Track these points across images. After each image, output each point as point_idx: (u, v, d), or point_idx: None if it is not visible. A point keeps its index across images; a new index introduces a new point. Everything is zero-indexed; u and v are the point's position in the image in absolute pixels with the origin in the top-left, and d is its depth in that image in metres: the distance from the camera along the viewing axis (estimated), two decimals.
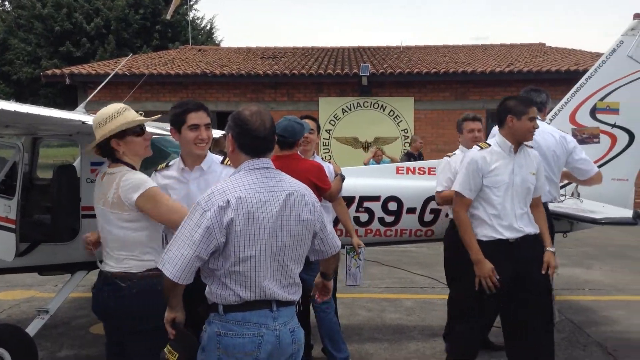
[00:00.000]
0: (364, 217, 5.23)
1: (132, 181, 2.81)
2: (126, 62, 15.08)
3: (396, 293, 7.07)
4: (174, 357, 2.45)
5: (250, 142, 2.41)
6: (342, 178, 4.58)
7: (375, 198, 5.24)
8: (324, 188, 4.20)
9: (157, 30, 29.96)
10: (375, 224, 5.25)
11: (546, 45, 19.69)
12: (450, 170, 4.90)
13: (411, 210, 5.22)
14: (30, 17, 28.94)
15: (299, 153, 4.35)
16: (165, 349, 2.49)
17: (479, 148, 3.85)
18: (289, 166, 4.13)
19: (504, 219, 3.73)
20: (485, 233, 3.76)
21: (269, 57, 17.78)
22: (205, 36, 33.99)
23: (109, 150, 2.91)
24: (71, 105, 16.51)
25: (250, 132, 2.39)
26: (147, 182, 2.84)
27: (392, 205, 5.24)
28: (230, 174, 2.47)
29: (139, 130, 2.93)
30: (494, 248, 3.70)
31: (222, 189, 2.33)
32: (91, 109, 4.75)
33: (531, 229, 3.79)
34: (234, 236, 2.29)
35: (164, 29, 30.23)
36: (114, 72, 7.65)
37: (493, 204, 3.74)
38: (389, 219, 5.26)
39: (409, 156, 10.32)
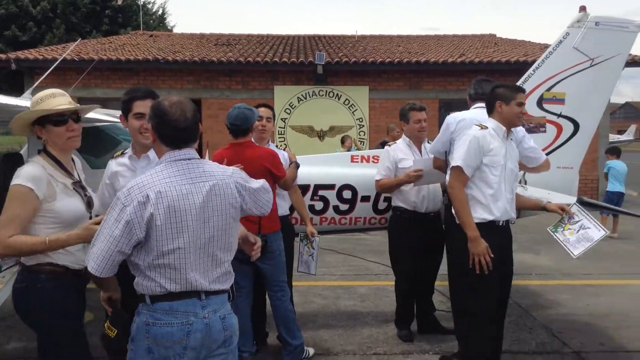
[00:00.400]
0: (318, 205, 5.27)
1: (16, 174, 2.69)
2: (75, 47, 14.63)
3: (350, 280, 7.16)
4: (113, 333, 2.61)
5: (170, 133, 2.38)
6: (297, 166, 4.60)
7: (330, 186, 5.28)
8: (278, 175, 4.22)
9: (107, 15, 29.12)
10: (330, 212, 5.30)
11: (497, 36, 20.10)
12: (389, 160, 5.00)
13: (365, 199, 5.28)
14: None
15: (253, 140, 4.35)
16: (105, 325, 2.64)
17: (479, 128, 3.89)
18: (244, 153, 4.15)
19: (500, 200, 3.81)
20: (478, 215, 3.80)
21: (223, 44, 17.55)
22: (157, 21, 33.24)
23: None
24: (17, 92, 15.95)
25: (170, 122, 2.36)
26: (17, 179, 2.64)
27: (347, 194, 5.29)
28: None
29: (60, 119, 2.74)
30: (486, 230, 3.75)
31: (142, 183, 2.30)
32: None
33: (514, 215, 3.95)
34: (155, 231, 2.27)
35: (114, 13, 29.40)
36: (61, 57, 7.42)
37: (490, 183, 3.80)
38: (344, 207, 5.31)
39: (383, 145, 10.38)
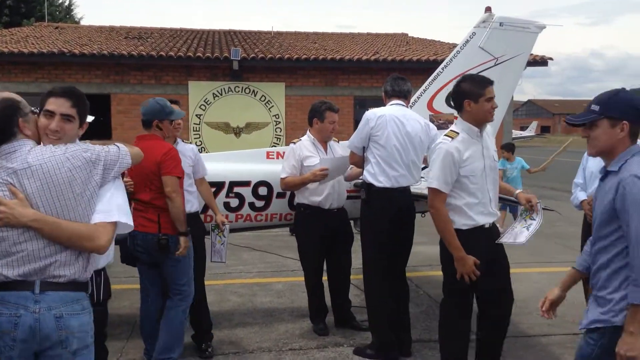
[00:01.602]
0: (234, 202, 5.21)
1: None
2: None
3: (267, 277, 7.14)
4: None
5: None
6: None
7: (246, 183, 5.24)
8: (164, 172, 4.08)
9: (7, 6, 27.43)
10: (246, 209, 5.25)
11: (409, 35, 20.68)
12: (295, 157, 5.03)
13: (281, 195, 5.28)
14: None
15: (157, 134, 4.24)
16: None
17: (450, 139, 3.64)
18: (145, 146, 3.98)
19: (483, 206, 3.69)
20: (464, 222, 3.66)
21: (134, 37, 16.98)
22: (63, 13, 31.69)
23: None
24: None
25: None
26: None
27: (263, 190, 5.26)
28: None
29: None
30: (474, 235, 3.63)
31: None
32: None
33: (497, 210, 3.84)
34: None
35: (16, 3, 27.75)
36: None
37: (472, 192, 3.64)
38: (260, 203, 5.28)
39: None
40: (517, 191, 4.02)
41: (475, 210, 3.67)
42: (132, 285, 6.14)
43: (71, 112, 2.48)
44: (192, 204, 4.56)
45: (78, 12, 34.68)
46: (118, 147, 2.63)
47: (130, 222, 2.56)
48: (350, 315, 5.29)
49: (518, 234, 3.81)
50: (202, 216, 4.86)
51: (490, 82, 3.73)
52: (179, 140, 4.62)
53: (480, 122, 3.70)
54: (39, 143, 2.47)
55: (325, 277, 5.25)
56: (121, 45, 15.22)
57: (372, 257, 4.57)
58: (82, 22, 31.95)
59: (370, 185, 4.51)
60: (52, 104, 2.48)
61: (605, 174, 2.62)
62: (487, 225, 3.74)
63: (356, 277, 5.75)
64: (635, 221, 2.38)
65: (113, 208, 2.47)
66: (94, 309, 2.58)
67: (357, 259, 5.23)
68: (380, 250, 4.51)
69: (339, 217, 5.12)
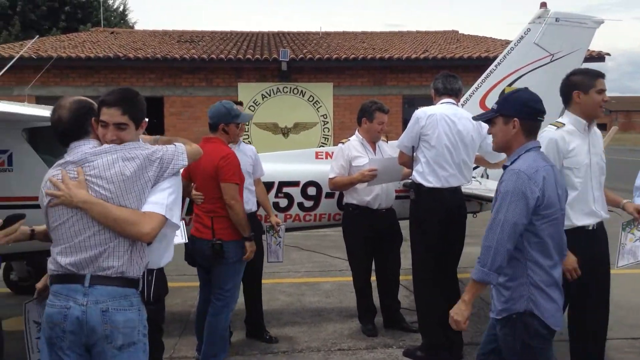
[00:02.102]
0: (283, 202, 5.25)
1: None
2: (33, 45, 14.25)
3: (315, 277, 7.15)
4: None
5: (54, 136, 2.63)
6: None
7: (295, 183, 5.27)
8: (221, 179, 4.06)
9: (65, 12, 28.45)
10: (295, 209, 5.28)
11: (459, 32, 20.35)
12: (343, 158, 5.01)
13: (330, 195, 5.29)
14: None
15: (222, 138, 4.27)
16: None
17: (555, 127, 3.51)
18: (207, 149, 4.04)
19: (585, 204, 3.48)
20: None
21: (186, 40, 17.33)
22: (118, 18, 32.61)
23: None
24: None
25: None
26: None
27: (312, 190, 5.28)
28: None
29: None
30: (572, 237, 3.19)
31: None
32: None
33: (605, 213, 3.61)
34: (44, 212, 2.54)
35: (73, 10, 28.74)
36: (18, 55, 7.22)
37: (575, 186, 3.44)
38: (308, 203, 5.30)
39: None
40: (624, 201, 3.77)
41: (577, 209, 3.46)
42: (185, 283, 6.27)
43: (123, 120, 2.57)
44: (253, 202, 4.61)
45: (132, 17, 35.74)
46: (175, 146, 2.72)
47: (178, 222, 2.66)
48: (400, 317, 5.23)
49: (635, 250, 3.60)
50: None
51: (601, 75, 3.55)
52: (240, 140, 4.67)
53: (589, 115, 3.53)
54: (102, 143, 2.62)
55: (374, 278, 5.22)
56: (174, 49, 15.57)
57: (421, 257, 4.51)
58: (136, 27, 32.78)
59: (419, 185, 4.45)
60: (105, 114, 2.58)
61: (503, 168, 2.83)
62: (589, 227, 3.51)
63: (406, 277, 5.70)
64: (497, 209, 2.66)
65: (163, 202, 2.55)
66: (148, 307, 2.65)
67: (406, 259, 5.19)
68: (429, 250, 4.44)
69: (388, 218, 5.09)
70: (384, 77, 15.09)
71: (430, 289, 4.49)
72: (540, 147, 2.85)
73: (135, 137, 2.63)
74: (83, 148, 2.56)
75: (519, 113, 2.76)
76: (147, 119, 2.77)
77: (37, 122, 4.93)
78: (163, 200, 2.56)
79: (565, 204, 2.83)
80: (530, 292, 2.67)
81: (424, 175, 4.43)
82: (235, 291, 4.28)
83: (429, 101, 4.83)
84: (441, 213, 4.40)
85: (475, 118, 3.10)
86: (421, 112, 4.49)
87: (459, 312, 2.75)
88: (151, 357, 2.79)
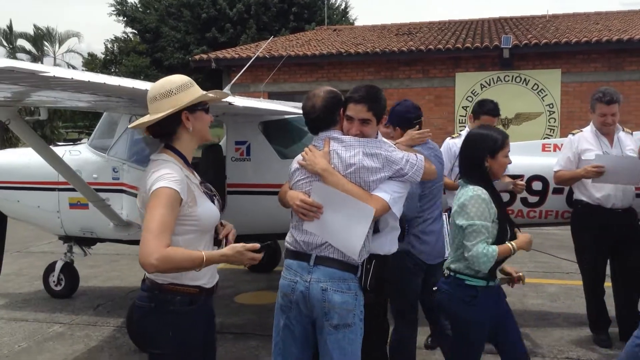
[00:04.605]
0: (504, 197, 4.97)
1: (155, 176, 2.37)
2: (266, 45, 15.61)
3: (539, 278, 6.76)
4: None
5: (306, 123, 2.87)
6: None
7: (518, 177, 4.97)
8: None
9: (293, 12, 30.65)
10: (517, 205, 5.02)
11: None
12: (571, 150, 4.55)
13: (558, 191, 4.91)
14: (179, 5, 30.94)
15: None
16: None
17: None
18: None
19: None
20: None
21: (404, 33, 17.49)
22: (340, 15, 34.18)
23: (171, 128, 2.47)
24: (216, 89, 17.44)
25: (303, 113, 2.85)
26: (161, 181, 2.31)
27: (537, 185, 4.95)
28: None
29: (206, 107, 2.55)
30: None
31: None
32: (235, 91, 4.96)
33: None
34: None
35: (300, 10, 30.84)
36: (255, 56, 7.93)
37: None
38: (533, 199, 4.99)
39: None
40: None
41: None
42: None
43: (367, 116, 2.76)
44: None
45: (353, 14, 37.14)
46: (416, 159, 2.80)
47: (398, 214, 2.78)
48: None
49: None
50: None
51: None
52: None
53: None
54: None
55: (608, 284, 4.72)
56: (392, 42, 15.82)
57: None
58: (357, 23, 34.05)
59: None
60: (352, 110, 2.78)
61: None
62: None
63: None
64: None
65: (389, 192, 2.69)
66: (367, 294, 2.74)
67: None
68: None
69: (626, 218, 4.53)
70: (622, 61, 13.52)
71: None
72: None
73: (375, 132, 2.81)
74: (330, 133, 2.80)
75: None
76: (385, 116, 2.97)
77: (271, 115, 5.38)
78: (390, 190, 2.69)
79: None
80: None
81: None
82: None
83: None
84: None
85: None
86: None
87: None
88: (376, 342, 2.94)
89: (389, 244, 2.89)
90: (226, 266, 6.96)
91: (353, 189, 2.62)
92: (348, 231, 2.62)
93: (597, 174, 4.31)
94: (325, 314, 2.64)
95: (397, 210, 2.75)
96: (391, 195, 2.68)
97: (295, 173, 2.83)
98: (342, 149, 2.71)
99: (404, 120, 3.71)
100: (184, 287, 2.40)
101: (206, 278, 2.48)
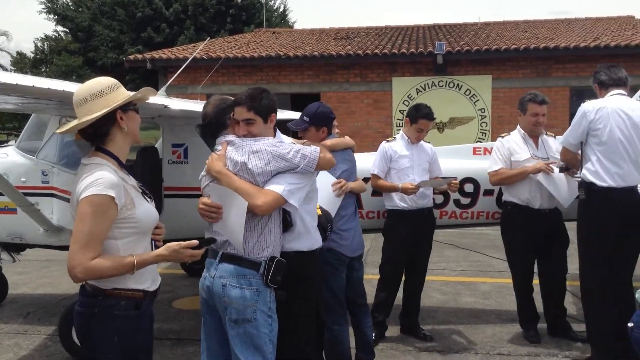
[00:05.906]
0: (438, 198, 5.13)
1: (86, 182, 2.31)
2: (204, 47, 15.42)
3: (472, 276, 6.95)
4: None
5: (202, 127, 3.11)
6: None
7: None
8: None
9: (231, 14, 30.41)
10: (451, 206, 5.16)
11: (635, 18, 18.50)
12: (502, 152, 4.80)
13: (489, 192, 5.08)
14: (112, 4, 30.11)
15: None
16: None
17: None
18: None
19: None
20: None
21: (342, 37, 17.68)
22: (279, 18, 34.20)
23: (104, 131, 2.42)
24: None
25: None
26: (93, 187, 2.26)
27: (469, 187, 5.11)
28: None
29: (135, 107, 2.52)
30: None
31: None
32: (171, 92, 4.89)
33: None
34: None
35: (238, 12, 30.64)
36: (192, 57, 7.84)
37: None
38: (465, 200, 5.14)
39: None
40: None
41: None
42: None
43: (249, 116, 2.89)
44: (430, 199, 4.84)
45: (292, 17, 37.24)
46: (310, 150, 2.90)
47: (296, 204, 2.83)
48: (566, 325, 4.89)
49: None
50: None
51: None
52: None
53: None
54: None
55: (536, 281, 4.93)
56: (330, 46, 15.96)
57: (592, 262, 4.17)
58: (296, 26, 34.15)
59: (591, 184, 4.11)
60: (236, 113, 2.94)
61: None
62: None
63: (572, 283, 5.31)
64: None
65: (283, 185, 2.79)
66: (278, 291, 2.85)
67: (572, 263, 4.83)
68: (600, 256, 4.09)
69: (552, 219, 4.76)
70: (549, 68, 14.16)
71: (602, 299, 4.13)
72: None
73: (265, 131, 2.93)
74: (228, 138, 2.94)
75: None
76: (275, 114, 3.03)
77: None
78: (284, 182, 2.81)
79: None
80: None
81: (597, 174, 4.07)
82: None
83: None
84: (615, 216, 4.03)
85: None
86: (589, 106, 4.14)
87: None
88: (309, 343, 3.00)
89: (308, 239, 3.03)
90: (165, 271, 6.83)
91: (242, 186, 2.74)
92: (233, 225, 2.76)
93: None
94: (225, 309, 2.77)
95: (296, 200, 2.83)
96: (285, 186, 2.78)
97: (202, 179, 2.99)
98: (233, 150, 2.85)
99: (329, 120, 3.92)
100: (128, 291, 2.38)
101: (149, 282, 2.47)
